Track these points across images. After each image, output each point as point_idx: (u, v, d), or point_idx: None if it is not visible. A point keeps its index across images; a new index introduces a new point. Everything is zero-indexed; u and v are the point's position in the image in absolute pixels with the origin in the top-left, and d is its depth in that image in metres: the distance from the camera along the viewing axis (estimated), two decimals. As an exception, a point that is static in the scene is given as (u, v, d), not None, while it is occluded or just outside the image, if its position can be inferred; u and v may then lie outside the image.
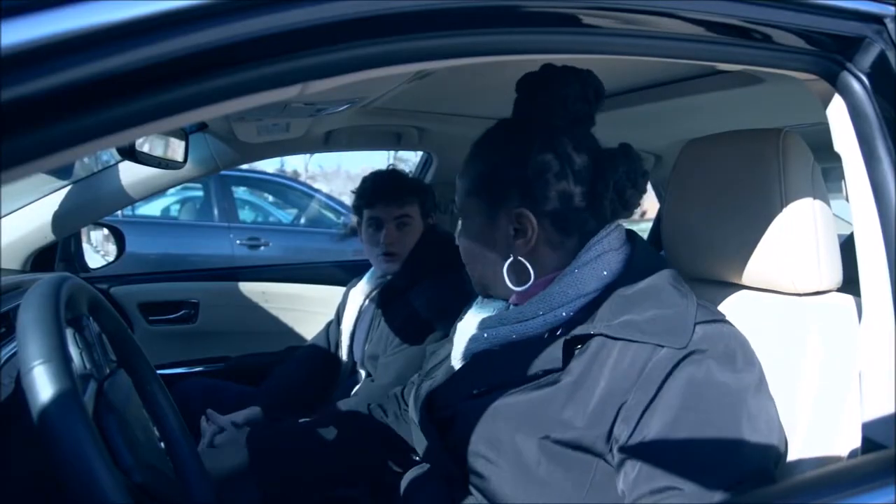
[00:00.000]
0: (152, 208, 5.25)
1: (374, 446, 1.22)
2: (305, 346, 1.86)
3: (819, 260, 0.83)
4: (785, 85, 1.10)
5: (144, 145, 1.37)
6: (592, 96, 0.87)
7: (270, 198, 5.83)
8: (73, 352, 0.79)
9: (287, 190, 6.01)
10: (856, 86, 0.70)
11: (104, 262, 2.08)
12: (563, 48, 0.62)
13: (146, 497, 0.76)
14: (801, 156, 0.85)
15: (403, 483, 0.99)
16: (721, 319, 0.79)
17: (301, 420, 1.30)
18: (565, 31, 0.60)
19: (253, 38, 0.46)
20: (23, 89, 0.39)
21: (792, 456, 0.77)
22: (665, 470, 0.68)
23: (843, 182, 0.76)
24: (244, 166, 5.12)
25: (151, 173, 1.64)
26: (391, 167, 1.71)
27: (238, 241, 4.91)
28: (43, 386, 0.64)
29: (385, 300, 1.61)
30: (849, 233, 0.88)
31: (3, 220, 1.59)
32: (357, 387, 1.60)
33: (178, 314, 2.05)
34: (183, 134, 1.55)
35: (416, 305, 1.50)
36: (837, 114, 0.73)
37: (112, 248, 2.10)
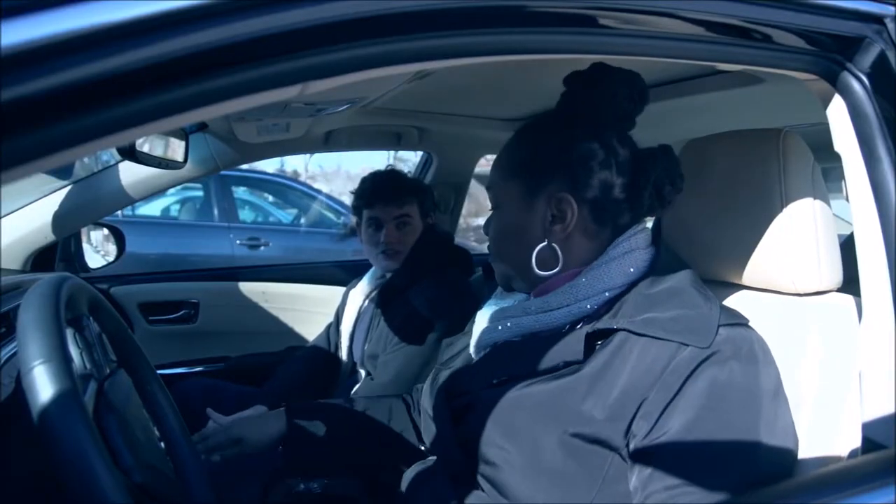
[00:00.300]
0: (152, 208, 5.25)
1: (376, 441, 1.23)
2: (306, 347, 1.86)
3: (819, 260, 0.83)
4: (785, 85, 1.10)
5: (144, 145, 1.37)
6: (638, 97, 0.89)
7: (270, 198, 5.83)
8: (73, 352, 0.79)
9: (287, 190, 6.01)
10: (856, 86, 0.70)
11: (104, 262, 2.07)
12: (563, 48, 0.62)
13: (146, 497, 0.76)
14: (801, 156, 0.85)
15: (405, 479, 0.99)
16: (744, 323, 0.79)
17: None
18: (565, 31, 0.60)
19: (253, 38, 0.46)
20: (23, 89, 0.39)
21: (792, 456, 0.77)
22: (680, 468, 0.69)
23: (843, 182, 0.76)
24: (244, 166, 5.12)
25: (151, 173, 1.64)
26: (390, 167, 1.71)
27: (238, 241, 4.91)
28: (43, 386, 0.64)
29: (385, 300, 1.61)
30: (849, 233, 0.88)
31: (3, 220, 1.59)
32: (357, 386, 1.60)
33: (178, 314, 2.05)
34: (183, 134, 1.54)
35: (415, 304, 1.51)
36: (837, 114, 0.73)
37: (112, 248, 2.10)
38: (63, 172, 1.80)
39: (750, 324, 0.80)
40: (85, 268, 1.91)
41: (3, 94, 0.39)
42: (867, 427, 0.70)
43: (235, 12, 0.45)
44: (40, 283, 0.77)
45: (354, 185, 1.68)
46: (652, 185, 0.85)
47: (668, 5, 0.62)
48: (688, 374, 0.72)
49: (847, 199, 0.74)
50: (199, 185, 5.13)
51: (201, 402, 1.53)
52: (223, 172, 2.67)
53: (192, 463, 0.97)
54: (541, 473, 0.76)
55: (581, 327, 0.81)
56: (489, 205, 0.93)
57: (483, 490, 0.83)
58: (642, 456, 0.72)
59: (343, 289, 1.85)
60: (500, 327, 0.88)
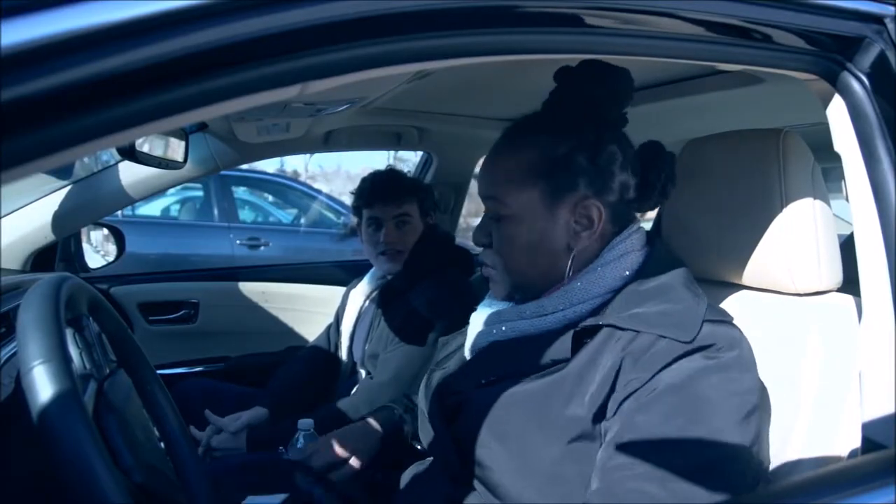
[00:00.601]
0: (152, 208, 5.25)
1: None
2: (307, 347, 1.86)
3: (819, 260, 0.83)
4: (785, 85, 1.10)
5: (144, 145, 1.37)
6: (630, 94, 0.89)
7: (270, 198, 5.83)
8: (73, 352, 0.79)
9: (287, 190, 6.01)
10: (856, 86, 0.70)
11: (104, 262, 2.08)
12: (563, 48, 0.62)
13: (146, 497, 0.76)
14: (801, 156, 0.85)
15: (403, 479, 0.99)
16: (729, 321, 0.79)
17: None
18: (565, 31, 0.60)
19: (253, 38, 0.46)
20: (23, 89, 0.39)
21: (792, 456, 0.77)
22: (639, 452, 0.69)
23: (843, 182, 0.76)
24: (244, 166, 5.12)
25: (151, 173, 1.64)
26: (390, 167, 1.71)
27: (238, 241, 4.91)
28: (43, 386, 0.64)
29: (385, 300, 1.61)
30: (849, 233, 0.88)
31: (3, 220, 1.59)
32: (356, 386, 1.60)
33: (178, 314, 2.05)
34: (183, 134, 1.54)
35: (415, 305, 1.51)
36: (837, 114, 0.73)
37: (112, 248, 2.10)
38: (63, 172, 1.80)
39: (735, 322, 0.80)
40: (85, 268, 1.91)
41: (3, 94, 0.38)
42: (867, 427, 0.70)
43: (235, 12, 0.45)
44: (40, 283, 0.77)
45: (354, 185, 1.68)
46: (661, 183, 0.86)
47: (668, 5, 0.62)
48: (665, 363, 0.72)
49: (847, 199, 0.74)
50: (199, 185, 5.12)
51: (201, 402, 1.54)
52: (223, 172, 2.67)
53: (192, 463, 0.97)
54: (533, 474, 0.77)
55: (574, 327, 0.81)
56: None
57: (478, 490, 0.83)
58: (608, 433, 0.73)
59: (343, 289, 1.85)
60: (494, 331, 0.87)
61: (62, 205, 1.62)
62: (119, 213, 4.04)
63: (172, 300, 2.05)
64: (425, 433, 0.94)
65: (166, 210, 5.35)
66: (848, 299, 0.82)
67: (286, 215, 5.78)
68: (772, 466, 0.79)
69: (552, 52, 0.63)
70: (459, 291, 1.52)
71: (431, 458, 0.96)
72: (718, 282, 0.95)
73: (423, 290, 1.52)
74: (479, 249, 0.94)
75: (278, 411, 1.54)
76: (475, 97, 1.55)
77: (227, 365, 2.04)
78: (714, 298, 0.93)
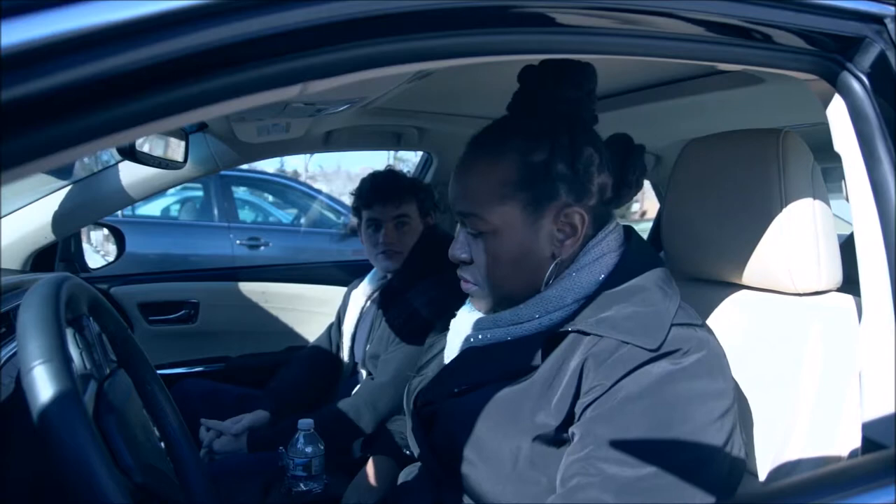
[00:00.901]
0: (152, 208, 5.25)
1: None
2: (308, 348, 1.86)
3: (819, 260, 0.83)
4: (785, 85, 1.10)
5: (144, 145, 1.37)
6: (595, 91, 0.87)
7: (270, 198, 5.83)
8: (73, 352, 0.79)
9: (287, 190, 6.01)
10: (856, 86, 0.70)
11: (104, 262, 2.08)
12: (563, 48, 0.62)
13: (146, 497, 0.76)
14: (801, 156, 0.85)
15: (399, 480, 0.99)
16: (698, 324, 0.77)
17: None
18: (566, 31, 0.60)
19: (253, 38, 0.46)
20: (23, 89, 0.39)
21: (792, 456, 0.77)
22: (599, 451, 0.69)
23: (843, 182, 0.76)
24: (244, 166, 5.12)
25: (151, 173, 1.64)
26: (389, 167, 1.71)
27: (238, 241, 4.91)
28: (43, 386, 0.64)
29: (386, 300, 1.61)
30: (849, 233, 0.88)
31: (3, 220, 1.59)
32: (357, 386, 1.60)
33: (178, 314, 2.05)
34: (183, 134, 1.55)
35: (416, 305, 1.51)
36: (837, 114, 0.73)
37: (112, 248, 2.10)
38: (63, 172, 1.80)
39: (706, 325, 0.79)
40: (85, 268, 1.92)
41: (3, 94, 0.38)
42: (867, 427, 0.70)
43: (235, 12, 0.45)
44: (40, 283, 0.77)
45: (354, 185, 1.68)
46: (635, 178, 0.85)
47: (667, 5, 0.62)
48: (627, 370, 0.71)
49: (847, 199, 0.74)
50: (199, 185, 5.12)
51: (201, 403, 1.54)
52: (223, 172, 2.67)
53: (192, 463, 0.97)
54: (507, 480, 0.76)
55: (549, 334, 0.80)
56: None
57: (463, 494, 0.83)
58: (573, 440, 0.72)
59: (343, 289, 1.85)
60: (471, 339, 0.87)
61: (62, 205, 1.62)
62: (119, 213, 4.04)
63: (172, 300, 2.05)
64: (411, 438, 0.94)
65: (166, 210, 5.36)
66: (848, 299, 0.82)
67: (286, 215, 5.78)
68: (772, 466, 0.79)
69: (552, 53, 0.63)
70: (460, 292, 1.53)
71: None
72: (718, 282, 0.95)
73: (423, 291, 1.52)
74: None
75: (279, 413, 1.54)
76: (475, 97, 1.55)
77: (227, 365, 2.04)
78: (714, 298, 0.93)
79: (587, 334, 0.75)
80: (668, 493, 0.66)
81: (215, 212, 5.07)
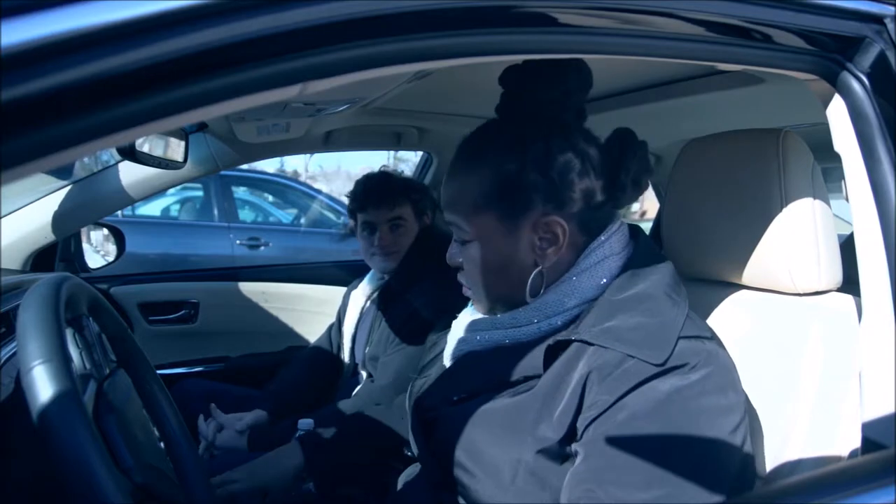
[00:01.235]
0: (152, 208, 5.25)
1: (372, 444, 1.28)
2: (308, 348, 1.86)
3: (819, 260, 0.83)
4: (785, 85, 1.10)
5: (144, 145, 1.37)
6: (586, 85, 0.85)
7: (270, 198, 5.84)
8: (73, 352, 0.79)
9: (287, 190, 6.02)
10: (856, 86, 0.70)
11: (104, 262, 2.08)
12: (563, 48, 0.62)
13: (146, 497, 0.76)
14: (801, 156, 0.85)
15: (399, 481, 0.99)
16: (707, 336, 0.75)
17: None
18: (566, 31, 0.60)
19: (253, 38, 0.46)
20: (23, 89, 0.39)
21: (792, 456, 0.77)
22: (605, 474, 0.67)
23: (843, 182, 0.76)
24: (244, 166, 5.12)
25: (151, 173, 1.64)
26: (383, 168, 1.70)
27: (238, 241, 4.91)
28: (43, 386, 0.64)
29: (385, 301, 1.61)
30: (849, 233, 0.88)
31: (3, 220, 1.59)
32: (357, 388, 1.60)
33: (178, 314, 2.05)
34: (183, 134, 1.55)
35: (416, 305, 1.51)
36: (837, 114, 0.73)
37: (112, 248, 2.10)
38: (63, 172, 1.80)
39: (715, 336, 0.77)
40: (85, 268, 1.92)
41: (3, 94, 0.38)
42: (867, 427, 0.70)
43: (235, 12, 0.45)
44: (40, 283, 0.77)
45: (354, 184, 1.68)
46: (631, 178, 0.81)
47: (667, 5, 0.62)
48: (631, 385, 0.69)
49: (847, 199, 0.74)
50: (199, 185, 5.13)
51: (201, 403, 1.54)
52: (223, 172, 2.66)
53: (192, 463, 0.97)
54: (507, 491, 0.75)
55: (550, 340, 0.77)
56: None
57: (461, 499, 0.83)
58: (577, 456, 0.71)
59: (343, 289, 1.85)
60: (470, 339, 0.85)
61: (62, 205, 1.62)
62: (119, 213, 4.04)
63: (172, 300, 2.05)
64: (412, 439, 0.94)
65: (166, 210, 5.36)
66: (848, 299, 0.82)
67: (286, 215, 5.79)
68: (772, 466, 0.79)
69: (552, 53, 0.63)
70: (459, 291, 1.52)
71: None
72: (718, 282, 0.95)
73: (423, 291, 1.52)
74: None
75: (278, 413, 1.54)
76: (475, 97, 1.54)
77: (227, 365, 2.04)
78: (714, 298, 0.93)
79: (591, 344, 0.73)
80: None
81: (215, 212, 5.07)
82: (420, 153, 2.25)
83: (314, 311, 2.16)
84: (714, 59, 0.69)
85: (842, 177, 0.75)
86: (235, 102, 0.48)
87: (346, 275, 2.09)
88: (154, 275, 2.29)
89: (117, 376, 0.89)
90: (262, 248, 4.94)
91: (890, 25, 0.70)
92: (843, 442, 0.74)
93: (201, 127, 1.69)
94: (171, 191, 4.74)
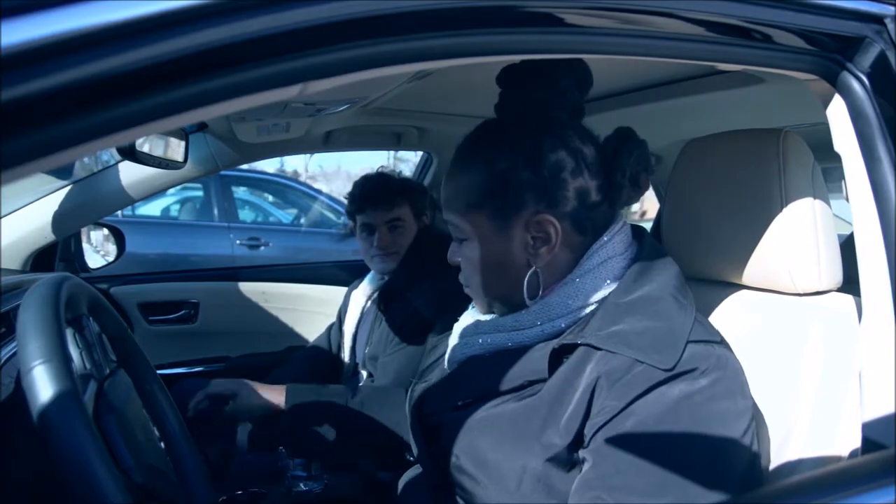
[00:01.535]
0: (152, 208, 5.25)
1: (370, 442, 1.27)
2: (307, 348, 1.86)
3: (819, 260, 0.83)
4: (785, 85, 1.10)
5: (144, 145, 1.37)
6: (584, 84, 0.84)
7: (270, 198, 5.84)
8: (73, 352, 0.79)
9: (287, 190, 6.02)
10: (856, 86, 0.70)
11: (104, 262, 2.08)
12: (563, 48, 0.62)
13: (146, 497, 0.76)
14: (801, 156, 0.85)
15: (400, 483, 0.99)
16: (716, 341, 0.75)
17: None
18: (566, 31, 0.60)
19: (253, 38, 0.46)
20: (23, 89, 0.39)
21: (792, 456, 0.77)
22: (613, 480, 0.67)
23: (843, 182, 0.76)
24: (244, 166, 5.12)
25: (151, 173, 1.64)
26: (381, 168, 1.70)
27: (238, 241, 4.91)
28: (43, 386, 0.64)
29: (386, 301, 1.61)
30: (849, 233, 0.88)
31: (3, 220, 1.59)
32: (358, 389, 1.60)
33: (178, 314, 2.05)
34: (183, 134, 1.55)
35: (416, 305, 1.50)
36: (837, 114, 0.73)
37: (112, 248, 2.10)
38: (63, 172, 1.80)
39: (723, 341, 0.76)
40: (85, 268, 1.92)
41: (3, 94, 0.38)
42: (867, 427, 0.70)
43: (235, 12, 0.45)
44: (40, 283, 0.77)
45: (355, 185, 1.68)
46: (629, 179, 0.80)
47: (667, 5, 0.62)
48: (640, 391, 0.68)
49: (847, 199, 0.74)
50: (199, 185, 5.13)
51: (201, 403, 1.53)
52: (223, 172, 2.66)
53: (192, 463, 0.97)
54: (513, 499, 0.74)
55: (554, 343, 0.77)
56: None
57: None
58: (584, 463, 0.70)
59: (343, 289, 1.85)
60: (472, 342, 0.85)
61: (62, 205, 1.62)
62: (119, 213, 4.04)
63: (172, 300, 2.05)
64: (412, 442, 0.93)
65: (166, 210, 5.36)
66: (848, 299, 0.82)
67: (286, 215, 5.79)
68: (772, 466, 0.79)
69: (552, 53, 0.63)
70: (460, 291, 1.52)
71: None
72: (718, 282, 0.95)
73: (423, 290, 1.52)
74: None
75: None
76: (475, 97, 1.54)
77: (227, 365, 2.03)
78: (714, 298, 0.93)
79: (598, 349, 0.72)
80: None
81: (215, 212, 5.08)
82: (420, 153, 2.25)
83: (314, 311, 2.15)
84: (714, 59, 0.69)
85: (842, 177, 0.75)
86: (235, 102, 0.48)
87: (346, 275, 2.09)
88: (154, 275, 2.30)
89: (117, 376, 0.89)
90: (262, 248, 4.94)
91: (890, 25, 0.69)
92: (843, 442, 0.74)
93: (201, 127, 1.69)
94: (171, 191, 4.74)
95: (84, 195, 1.66)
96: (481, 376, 0.82)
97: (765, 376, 0.83)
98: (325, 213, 5.69)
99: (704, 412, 0.68)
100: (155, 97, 0.44)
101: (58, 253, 1.76)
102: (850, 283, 0.80)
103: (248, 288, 2.14)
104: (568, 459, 0.72)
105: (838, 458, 0.74)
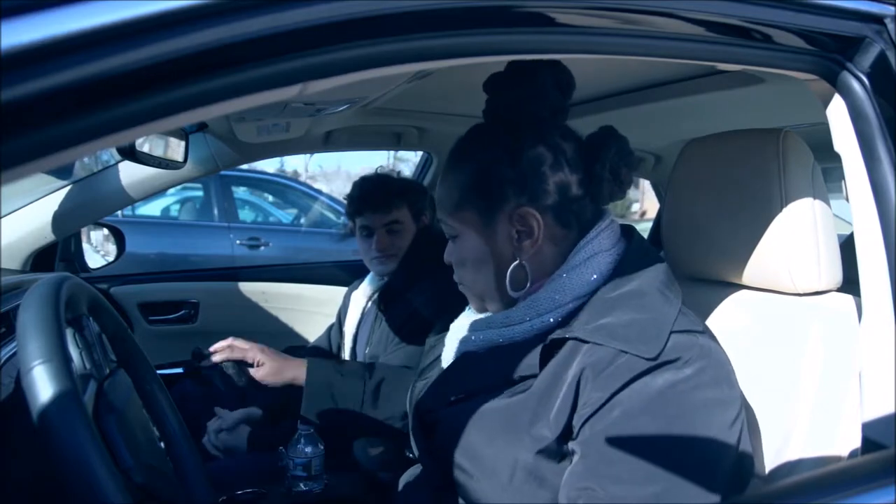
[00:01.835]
0: (152, 208, 5.25)
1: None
2: (306, 348, 1.86)
3: (819, 260, 0.83)
4: (785, 85, 1.10)
5: (144, 145, 1.37)
6: (565, 86, 0.86)
7: (270, 198, 5.84)
8: (73, 352, 0.79)
9: (287, 190, 6.02)
10: (856, 86, 0.70)
11: (104, 262, 2.08)
12: (563, 48, 0.62)
13: (146, 497, 0.76)
14: (801, 156, 0.85)
15: (401, 482, 0.99)
16: (699, 331, 0.76)
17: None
18: (566, 31, 0.60)
19: (253, 38, 0.46)
20: (23, 89, 0.39)
21: (792, 456, 0.77)
22: (600, 471, 0.68)
23: (843, 182, 0.76)
24: (244, 166, 5.12)
25: (151, 173, 1.64)
26: (377, 171, 1.70)
27: (238, 241, 4.91)
28: (43, 386, 0.64)
29: (386, 302, 1.61)
30: (849, 233, 0.88)
31: (3, 220, 1.59)
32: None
33: (178, 314, 2.05)
34: (183, 134, 1.55)
35: (416, 304, 1.50)
36: (837, 114, 0.73)
37: (112, 248, 2.10)
38: (63, 172, 1.80)
39: (708, 331, 0.77)
40: (85, 268, 1.92)
41: (3, 94, 0.38)
42: (867, 427, 0.70)
43: (235, 12, 0.45)
44: (40, 283, 0.77)
45: (354, 185, 1.68)
46: (609, 172, 0.82)
47: (667, 5, 0.62)
48: (625, 381, 0.69)
49: (847, 199, 0.74)
50: (199, 185, 5.13)
51: (201, 403, 1.54)
52: (223, 172, 2.67)
53: (192, 463, 0.97)
54: (505, 491, 0.75)
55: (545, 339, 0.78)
56: None
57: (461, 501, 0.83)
58: (574, 455, 0.72)
59: (343, 289, 1.85)
60: (466, 339, 0.86)
61: (62, 205, 1.62)
62: (119, 213, 4.04)
63: (172, 300, 2.05)
64: (412, 440, 0.93)
65: (166, 210, 5.36)
66: (848, 299, 0.82)
67: (286, 215, 5.79)
68: (772, 466, 0.79)
69: (552, 53, 0.63)
70: (459, 291, 1.52)
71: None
72: (718, 282, 0.95)
73: (423, 290, 1.52)
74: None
75: (274, 411, 1.54)
76: (475, 97, 1.54)
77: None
78: (714, 298, 0.93)
79: (585, 342, 0.74)
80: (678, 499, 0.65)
81: (215, 212, 5.07)
82: (420, 153, 2.25)
83: (314, 311, 2.15)
84: (714, 59, 0.69)
85: (842, 177, 0.75)
86: (235, 102, 0.48)
87: (345, 275, 2.09)
88: (154, 275, 2.30)
89: (117, 376, 0.89)
90: (262, 248, 4.94)
91: (890, 25, 0.70)
92: (843, 442, 0.74)
93: (201, 127, 1.69)
94: (171, 191, 4.74)
95: (84, 195, 1.66)
96: (475, 372, 0.84)
97: (765, 376, 0.83)
98: (325, 213, 5.69)
99: (690, 401, 0.69)
100: (155, 97, 0.44)
101: (58, 253, 1.76)
102: (850, 283, 0.80)
103: (247, 288, 2.14)
104: (558, 451, 0.73)
105: (838, 458, 0.74)
